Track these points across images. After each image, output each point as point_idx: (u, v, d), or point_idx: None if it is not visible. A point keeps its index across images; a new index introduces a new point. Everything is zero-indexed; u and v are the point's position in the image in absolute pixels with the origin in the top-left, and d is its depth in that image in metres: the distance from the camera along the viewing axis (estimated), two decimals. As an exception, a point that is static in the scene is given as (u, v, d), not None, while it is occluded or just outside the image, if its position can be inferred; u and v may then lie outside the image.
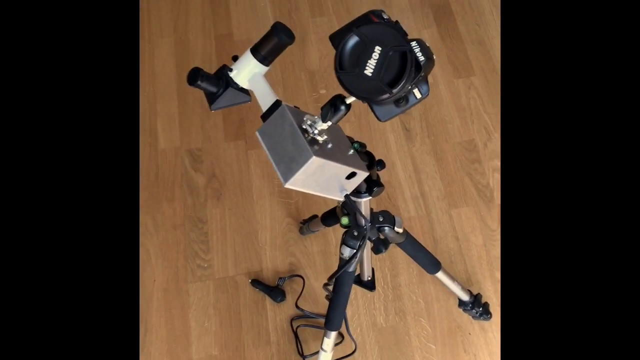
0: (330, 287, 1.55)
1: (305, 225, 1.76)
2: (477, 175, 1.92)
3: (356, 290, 1.75)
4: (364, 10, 2.25)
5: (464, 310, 1.63)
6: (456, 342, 1.68)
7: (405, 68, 0.76)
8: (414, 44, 0.86)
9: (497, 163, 1.94)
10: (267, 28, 2.33)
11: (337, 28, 2.19)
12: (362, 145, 1.06)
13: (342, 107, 0.91)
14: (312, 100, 2.07)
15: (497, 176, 1.92)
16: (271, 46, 1.03)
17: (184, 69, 2.13)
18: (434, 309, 1.73)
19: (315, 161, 0.92)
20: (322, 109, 0.93)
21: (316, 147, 0.93)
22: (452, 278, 1.50)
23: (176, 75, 2.15)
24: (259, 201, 1.91)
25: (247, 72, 1.05)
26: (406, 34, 0.90)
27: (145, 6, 2.33)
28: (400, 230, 1.27)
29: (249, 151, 1.99)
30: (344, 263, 1.12)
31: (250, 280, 1.77)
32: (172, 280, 1.80)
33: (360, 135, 2.01)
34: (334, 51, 0.96)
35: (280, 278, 1.76)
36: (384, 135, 2.01)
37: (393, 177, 1.93)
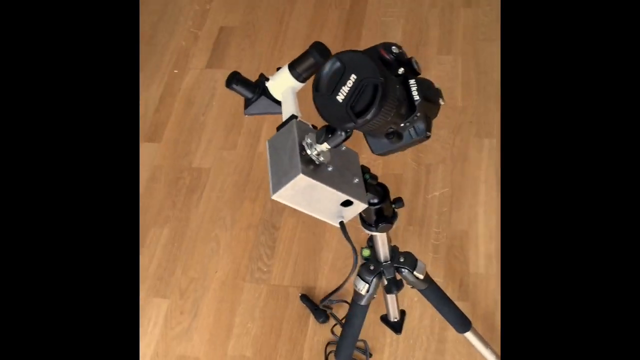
0: (329, 307, 1.53)
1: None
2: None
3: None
4: (495, 56, 2.18)
5: (497, 382, 1.51)
6: (487, 415, 1.56)
7: (374, 100, 0.74)
8: (412, 82, 0.84)
9: (590, 240, 1.78)
10: (392, 57, 2.34)
11: (460, 68, 2.15)
12: (374, 177, 1.04)
13: (341, 133, 0.90)
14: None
15: (586, 254, 1.75)
16: (307, 64, 1.05)
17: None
18: (474, 374, 1.62)
19: (302, 179, 0.92)
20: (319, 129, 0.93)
21: (311, 167, 0.94)
22: (486, 343, 1.40)
23: (292, 87, 2.24)
24: (333, 221, 1.92)
25: (281, 84, 1.08)
26: (416, 72, 0.88)
27: (285, 19, 2.46)
28: (421, 277, 1.22)
29: (338, 171, 2.02)
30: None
31: (300, 295, 1.79)
32: (232, 275, 1.88)
33: (451, 179, 1.94)
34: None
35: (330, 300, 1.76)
36: (476, 183, 1.93)
37: (472, 228, 1.84)
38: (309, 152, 0.94)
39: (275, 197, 0.95)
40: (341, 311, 1.76)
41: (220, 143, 2.17)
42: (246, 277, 1.87)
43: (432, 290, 1.26)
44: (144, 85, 2.38)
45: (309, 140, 0.94)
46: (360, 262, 1.21)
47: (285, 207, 1.98)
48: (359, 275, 1.23)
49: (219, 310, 1.82)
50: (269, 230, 1.95)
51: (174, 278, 1.90)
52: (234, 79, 1.08)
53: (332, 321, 1.73)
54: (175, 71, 2.40)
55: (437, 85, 0.91)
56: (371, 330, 1.70)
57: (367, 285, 1.21)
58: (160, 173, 2.13)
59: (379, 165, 2.01)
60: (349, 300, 1.75)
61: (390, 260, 1.20)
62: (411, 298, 1.73)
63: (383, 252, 1.19)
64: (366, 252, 1.23)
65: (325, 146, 0.93)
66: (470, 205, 1.89)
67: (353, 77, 0.77)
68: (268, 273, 1.87)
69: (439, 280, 1.76)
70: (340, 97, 0.77)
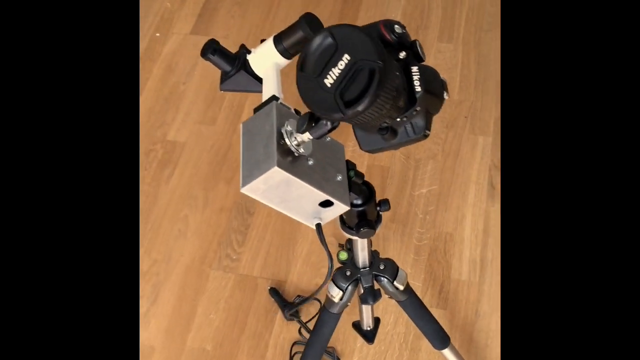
0: (296, 318, 1.41)
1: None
2: (553, 260, 1.66)
3: (372, 337, 1.58)
4: (497, 48, 2.05)
5: (473, 402, 1.40)
6: None
7: (369, 88, 0.61)
8: (415, 69, 0.70)
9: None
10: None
11: (459, 58, 2.02)
12: (359, 174, 0.91)
13: (327, 123, 0.77)
14: (405, 126, 1.92)
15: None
16: (295, 39, 0.91)
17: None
18: (448, 388, 1.51)
19: (276, 172, 0.79)
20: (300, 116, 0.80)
21: (289, 159, 0.80)
22: (464, 361, 1.29)
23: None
24: (311, 211, 1.79)
25: (264, 59, 0.94)
26: (420, 58, 0.74)
27: (280, -11, 2.30)
28: (401, 287, 1.10)
29: (321, 158, 1.88)
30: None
31: (269, 288, 1.66)
32: (198, 260, 1.74)
33: (441, 177, 1.82)
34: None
35: (299, 296, 1.63)
36: (466, 184, 1.80)
37: (458, 231, 1.73)
38: (288, 141, 0.81)
39: (244, 190, 0.82)
40: (312, 309, 1.63)
41: (199, 117, 2.02)
42: (213, 264, 1.74)
43: (411, 302, 1.14)
44: (122, 47, 2.21)
45: (289, 128, 0.81)
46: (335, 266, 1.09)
47: (261, 191, 1.85)
48: (333, 280, 1.10)
49: (180, 297, 1.69)
50: (243, 215, 1.81)
51: (136, 258, 1.76)
52: (210, 48, 0.93)
53: (303, 320, 1.61)
54: (157, 35, 2.24)
55: (442, 76, 0.78)
56: (341, 332, 1.59)
57: (341, 293, 1.09)
58: (131, 143, 1.98)
59: (364, 156, 1.87)
60: (322, 299, 1.63)
61: (369, 266, 1.08)
62: (388, 301, 1.61)
63: (362, 257, 1.06)
64: (343, 255, 1.11)
65: (307, 136, 0.80)
66: (458, 206, 1.77)
67: (346, 57, 0.63)
68: (237, 261, 1.74)
69: (417, 284, 1.65)
70: (328, 81, 0.64)
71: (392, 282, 1.08)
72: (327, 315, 1.13)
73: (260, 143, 0.82)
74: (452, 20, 2.15)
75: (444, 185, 1.81)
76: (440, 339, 1.23)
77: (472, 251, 1.69)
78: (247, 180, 0.81)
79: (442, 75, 0.79)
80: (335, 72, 0.63)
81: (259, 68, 0.95)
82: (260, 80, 0.97)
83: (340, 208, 0.88)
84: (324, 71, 0.64)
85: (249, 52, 0.95)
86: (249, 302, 1.67)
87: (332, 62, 0.63)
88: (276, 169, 0.78)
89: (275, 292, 1.65)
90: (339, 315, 1.14)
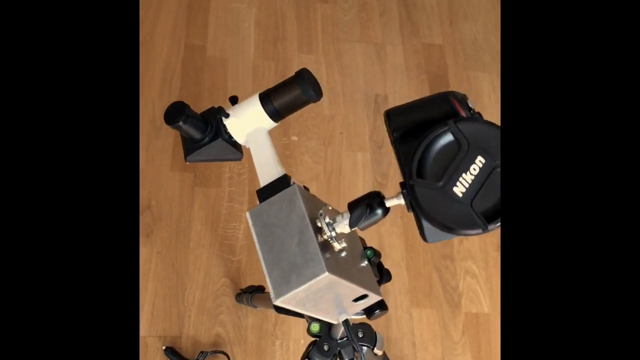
0: None
1: (246, 295, 1.46)
2: (447, 274, 1.69)
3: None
4: (358, 59, 2.01)
5: None
6: None
7: (515, 199, 0.50)
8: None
9: (471, 265, 1.72)
10: (247, 51, 2.04)
11: (324, 71, 1.94)
12: (377, 254, 0.80)
13: (379, 211, 0.65)
14: (281, 146, 1.80)
15: (469, 280, 1.69)
16: (290, 99, 0.76)
17: (142, 73, 1.82)
18: None
19: (327, 279, 0.65)
20: (352, 208, 0.66)
21: (327, 256, 0.66)
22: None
23: (130, 79, 1.83)
24: (196, 250, 1.60)
25: (249, 124, 0.77)
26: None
27: (111, -9, 2.01)
28: (380, 353, 1.01)
29: (196, 188, 1.69)
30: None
31: (164, 347, 1.45)
32: (69, 326, 1.46)
33: (327, 196, 1.74)
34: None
35: (202, 352, 1.45)
36: (353, 204, 1.75)
37: (355, 255, 1.67)
38: (327, 235, 0.67)
39: (279, 302, 0.66)
40: (217, 364, 1.47)
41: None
42: (89, 328, 1.46)
43: (384, 365, 1.05)
44: None
45: (327, 220, 0.67)
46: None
47: (134, 234, 1.61)
48: (309, 357, 0.97)
49: (54, 375, 1.40)
50: (115, 264, 1.55)
51: None
52: (183, 115, 0.74)
53: (210, 380, 1.44)
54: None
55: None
56: (258, 386, 1.45)
57: (319, 372, 0.96)
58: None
59: (244, 182, 1.73)
60: (228, 350, 1.47)
61: (347, 337, 0.97)
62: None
63: (342, 328, 0.95)
64: (315, 327, 0.99)
65: (347, 228, 0.67)
66: (350, 228, 1.71)
67: (480, 160, 0.51)
68: (118, 320, 1.48)
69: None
70: (459, 190, 0.52)
71: (372, 350, 0.99)
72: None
73: (289, 239, 0.67)
74: (309, 31, 2.06)
75: (332, 205, 1.73)
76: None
77: (372, 275, 1.65)
78: (283, 289, 0.65)
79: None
80: (468, 178, 0.51)
81: (240, 134, 0.78)
82: (238, 146, 0.80)
83: (372, 299, 0.76)
84: (452, 177, 0.51)
85: (227, 115, 0.77)
86: (142, 367, 1.44)
87: (461, 166, 0.51)
88: (327, 275, 0.64)
89: (172, 352, 1.44)
90: (311, 393, 1.01)
